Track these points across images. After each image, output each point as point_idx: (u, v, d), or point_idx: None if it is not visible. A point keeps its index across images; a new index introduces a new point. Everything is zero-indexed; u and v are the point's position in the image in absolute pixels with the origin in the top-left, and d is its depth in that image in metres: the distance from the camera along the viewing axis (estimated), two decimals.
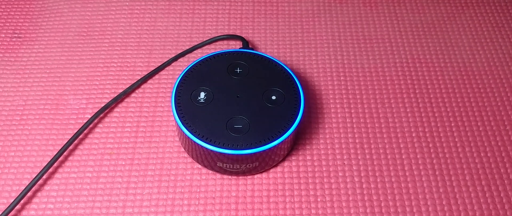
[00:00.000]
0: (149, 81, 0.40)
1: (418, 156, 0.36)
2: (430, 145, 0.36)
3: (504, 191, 0.34)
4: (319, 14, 0.45)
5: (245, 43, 0.40)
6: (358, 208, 0.33)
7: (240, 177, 0.34)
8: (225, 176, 0.34)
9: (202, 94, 0.33)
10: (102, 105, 0.37)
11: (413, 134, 0.37)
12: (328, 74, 0.41)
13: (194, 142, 0.31)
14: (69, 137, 0.35)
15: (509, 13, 0.46)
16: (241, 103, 0.33)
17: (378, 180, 0.34)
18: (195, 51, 0.42)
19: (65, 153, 0.35)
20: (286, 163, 0.35)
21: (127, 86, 0.38)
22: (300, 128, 0.36)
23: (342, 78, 0.40)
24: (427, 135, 0.37)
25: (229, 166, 0.32)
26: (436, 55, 0.42)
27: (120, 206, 0.33)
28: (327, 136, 0.37)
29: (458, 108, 0.39)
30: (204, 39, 0.42)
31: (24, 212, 0.32)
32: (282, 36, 0.43)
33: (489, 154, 0.36)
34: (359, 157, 0.36)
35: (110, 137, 0.36)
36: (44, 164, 0.34)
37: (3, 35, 0.42)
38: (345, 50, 0.42)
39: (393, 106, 0.39)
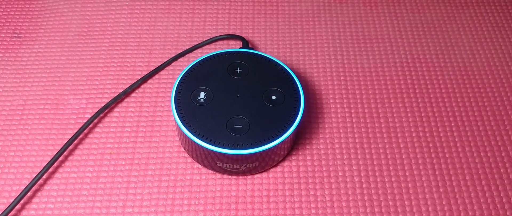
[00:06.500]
0: (149, 81, 0.40)
1: (418, 156, 0.36)
2: (430, 145, 0.36)
3: (504, 191, 0.34)
4: (319, 14, 0.45)
5: (245, 43, 0.40)
6: (358, 208, 0.33)
7: (240, 177, 0.34)
8: (225, 176, 0.34)
9: (202, 94, 0.33)
10: (102, 105, 0.37)
11: (413, 134, 0.37)
12: (328, 74, 0.41)
13: (194, 142, 0.31)
14: (69, 137, 0.35)
15: (509, 13, 0.46)
16: (241, 103, 0.33)
17: (378, 180, 0.34)
18: (195, 51, 0.42)
19: (65, 153, 0.35)
20: (286, 163, 0.35)
21: (127, 86, 0.38)
22: (300, 128, 0.36)
23: (342, 78, 0.40)
24: (427, 135, 0.37)
25: (229, 166, 0.32)
26: (436, 55, 0.42)
27: (120, 206, 0.33)
28: (327, 136, 0.37)
29: (458, 108, 0.39)
30: (204, 39, 0.42)
31: (24, 212, 0.32)
32: (282, 36, 0.43)
33: (489, 154, 0.36)
34: (359, 157, 0.36)
35: (110, 137, 0.36)
36: (44, 164, 0.34)
37: (3, 35, 0.42)
38: (345, 50, 0.42)
39: (393, 106, 0.39)
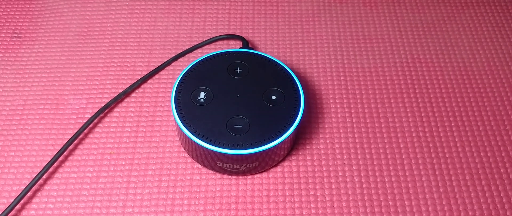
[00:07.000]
0: (149, 81, 0.40)
1: (418, 156, 0.36)
2: (430, 145, 0.36)
3: (504, 191, 0.34)
4: (319, 14, 0.45)
5: (245, 43, 0.40)
6: (358, 208, 0.33)
7: (240, 177, 0.34)
8: (225, 176, 0.34)
9: (202, 94, 0.33)
10: (102, 105, 0.37)
11: (413, 134, 0.37)
12: (328, 74, 0.41)
13: (194, 142, 0.31)
14: (69, 137, 0.35)
15: (509, 13, 0.46)
16: (241, 103, 0.33)
17: (378, 180, 0.34)
18: (195, 51, 0.42)
19: (65, 153, 0.35)
20: (286, 163, 0.35)
21: (127, 86, 0.38)
22: (300, 128, 0.36)
23: (342, 78, 0.40)
24: (427, 135, 0.37)
25: (229, 166, 0.32)
26: (436, 55, 0.42)
27: (120, 206, 0.33)
28: (327, 136, 0.37)
29: (458, 108, 0.39)
30: (204, 39, 0.42)
31: (24, 212, 0.32)
32: (282, 36, 0.43)
33: (489, 154, 0.36)
34: (359, 157, 0.36)
35: (110, 137, 0.36)
36: (44, 164, 0.34)
37: (3, 35, 0.42)
38: (345, 50, 0.42)
39: (393, 106, 0.39)
